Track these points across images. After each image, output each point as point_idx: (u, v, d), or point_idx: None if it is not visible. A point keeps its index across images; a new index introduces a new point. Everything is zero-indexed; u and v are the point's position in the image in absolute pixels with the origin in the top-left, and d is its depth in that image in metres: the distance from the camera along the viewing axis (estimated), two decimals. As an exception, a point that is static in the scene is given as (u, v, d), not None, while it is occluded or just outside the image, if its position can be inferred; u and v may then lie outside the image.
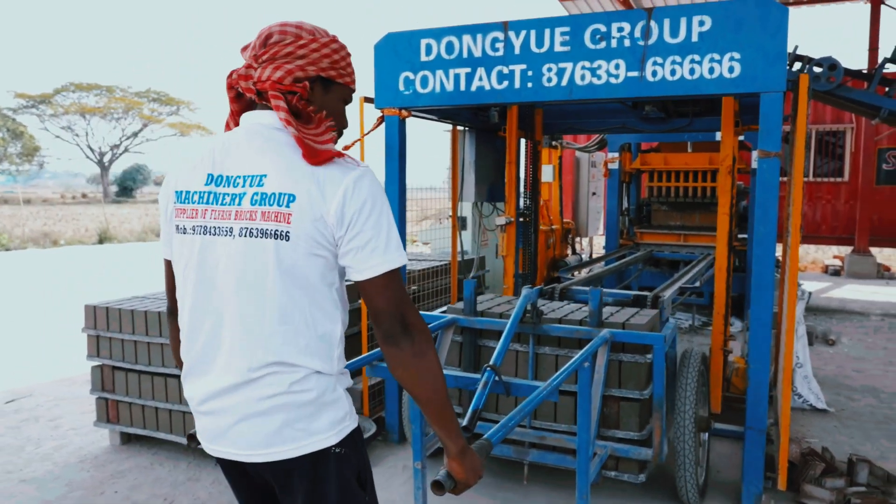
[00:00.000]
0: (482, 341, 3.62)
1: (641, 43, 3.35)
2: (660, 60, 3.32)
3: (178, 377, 3.72)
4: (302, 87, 1.46)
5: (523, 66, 3.59)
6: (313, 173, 1.39)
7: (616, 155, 8.09)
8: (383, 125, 4.02)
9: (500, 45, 3.64)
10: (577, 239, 11.23)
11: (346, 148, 4.03)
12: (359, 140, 4.06)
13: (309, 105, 1.49)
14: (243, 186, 1.43)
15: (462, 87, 3.74)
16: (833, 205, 12.18)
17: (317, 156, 1.40)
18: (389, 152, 4.00)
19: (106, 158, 62.37)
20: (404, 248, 1.55)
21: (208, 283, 1.46)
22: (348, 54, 1.56)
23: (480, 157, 5.20)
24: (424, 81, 3.83)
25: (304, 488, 1.49)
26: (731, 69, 3.20)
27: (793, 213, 3.27)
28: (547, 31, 3.53)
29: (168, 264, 1.60)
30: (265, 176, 1.41)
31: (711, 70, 3.23)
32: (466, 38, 3.71)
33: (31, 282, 11.20)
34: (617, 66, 3.40)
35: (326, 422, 1.47)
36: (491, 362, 2.70)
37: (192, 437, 1.69)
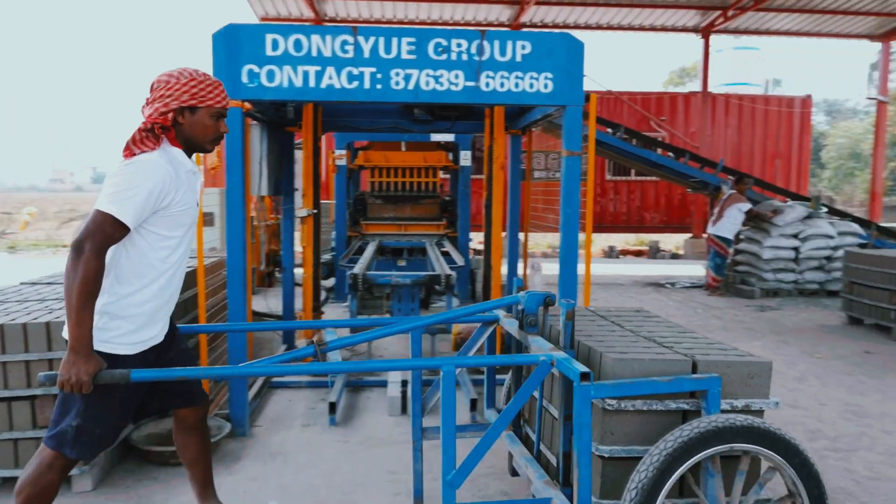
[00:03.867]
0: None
1: (477, 58, 4.00)
2: (492, 74, 4.02)
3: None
4: (164, 119, 2.31)
5: (373, 70, 3.95)
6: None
7: (343, 152, 8.62)
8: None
9: (349, 48, 3.93)
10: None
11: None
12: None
13: (169, 130, 2.34)
14: None
15: (311, 84, 3.93)
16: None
17: (124, 151, 2.27)
18: (231, 144, 3.96)
19: None
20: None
21: None
22: (208, 85, 2.34)
23: (270, 151, 5.26)
24: (271, 76, 3.91)
25: None
26: (545, 86, 4.05)
27: (587, 202, 4.28)
28: (394, 40, 3.95)
29: None
30: None
31: (531, 85, 4.05)
32: (315, 38, 3.91)
33: None
34: (457, 76, 4.00)
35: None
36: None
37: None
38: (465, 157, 8.67)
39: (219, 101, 2.38)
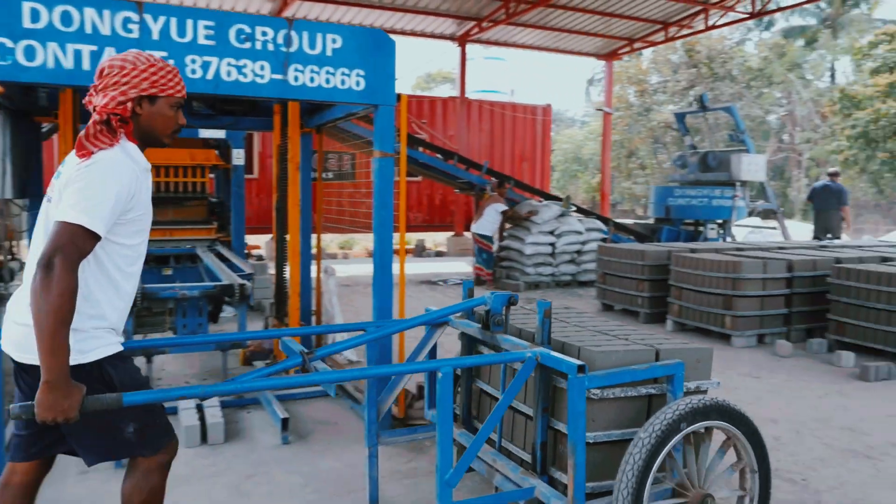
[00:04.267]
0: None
1: (284, 49, 3.68)
2: (301, 68, 3.72)
3: None
4: (123, 109, 2.05)
5: (164, 54, 3.43)
6: (73, 159, 2.04)
7: (93, 147, 7.50)
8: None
9: (133, 27, 3.37)
10: (15, 243, 9.65)
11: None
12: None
13: (127, 122, 2.07)
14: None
15: (86, 66, 3.29)
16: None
17: (79, 150, 2.01)
18: (-24, 135, 3.17)
19: None
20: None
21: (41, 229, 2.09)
22: (167, 72, 2.15)
23: (15, 145, 4.33)
24: (30, 53, 3.20)
25: None
26: (357, 83, 3.86)
27: (401, 204, 4.17)
28: (189, 22, 3.47)
29: None
30: (64, 164, 2.11)
31: (343, 82, 3.83)
32: (90, 12, 3.29)
33: None
34: (262, 68, 3.64)
35: None
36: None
37: None
38: (239, 156, 8.08)
39: (179, 89, 2.19)
